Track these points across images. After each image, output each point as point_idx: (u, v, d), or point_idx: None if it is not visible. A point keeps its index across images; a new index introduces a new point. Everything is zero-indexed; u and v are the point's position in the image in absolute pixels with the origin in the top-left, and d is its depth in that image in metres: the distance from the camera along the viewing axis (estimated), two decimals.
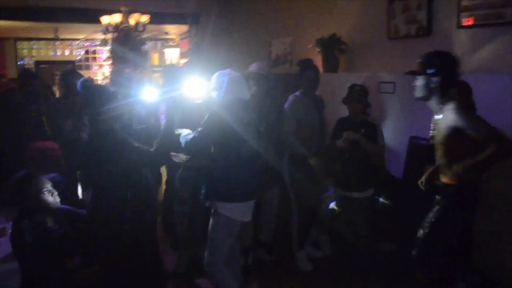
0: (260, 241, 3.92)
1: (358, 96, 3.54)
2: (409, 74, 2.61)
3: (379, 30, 4.65)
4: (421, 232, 2.59)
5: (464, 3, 3.78)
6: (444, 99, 2.45)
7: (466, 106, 2.43)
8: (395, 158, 4.14)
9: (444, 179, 2.54)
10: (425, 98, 2.52)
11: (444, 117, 2.42)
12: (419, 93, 2.53)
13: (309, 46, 5.37)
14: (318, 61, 5.11)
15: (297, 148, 3.65)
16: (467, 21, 3.78)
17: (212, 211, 2.92)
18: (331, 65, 5.12)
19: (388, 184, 3.95)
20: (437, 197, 2.58)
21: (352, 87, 3.60)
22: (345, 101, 3.62)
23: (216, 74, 2.93)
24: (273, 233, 3.96)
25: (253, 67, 3.68)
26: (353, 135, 3.46)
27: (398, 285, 3.35)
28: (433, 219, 2.54)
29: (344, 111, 3.75)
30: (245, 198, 2.91)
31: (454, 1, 3.85)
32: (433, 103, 2.50)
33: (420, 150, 3.80)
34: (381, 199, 3.61)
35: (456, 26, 3.87)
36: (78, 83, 4.23)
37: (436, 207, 2.56)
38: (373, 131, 3.58)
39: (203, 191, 2.93)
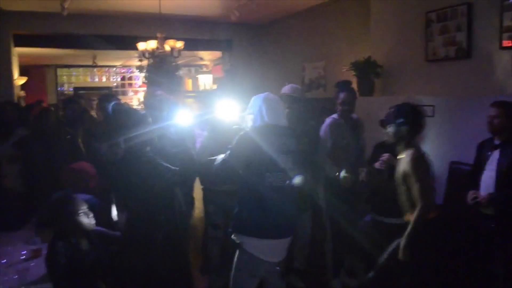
0: (293, 267, 3.80)
1: None
2: (381, 125, 2.96)
3: (416, 53, 4.56)
4: (382, 258, 2.79)
5: (506, 23, 3.66)
6: (408, 145, 2.75)
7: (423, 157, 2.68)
8: (435, 184, 3.97)
9: (406, 216, 2.76)
10: (395, 143, 2.82)
11: (404, 161, 2.71)
12: (389, 138, 2.84)
13: (343, 70, 5.32)
14: (353, 84, 5.03)
15: (329, 169, 3.52)
16: (510, 42, 3.65)
17: (238, 246, 2.60)
18: (367, 89, 5.04)
19: None
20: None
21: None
22: (383, 123, 3.51)
23: (253, 98, 2.77)
24: (307, 260, 3.84)
25: (286, 90, 3.63)
26: (392, 159, 3.34)
27: None
28: (392, 249, 2.74)
29: (382, 136, 3.64)
30: (275, 234, 2.57)
31: (495, 22, 3.74)
32: (400, 147, 2.80)
33: (461, 175, 3.65)
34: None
35: (498, 47, 3.75)
36: (109, 106, 4.31)
37: (398, 240, 2.71)
38: None
39: (232, 222, 2.65)
